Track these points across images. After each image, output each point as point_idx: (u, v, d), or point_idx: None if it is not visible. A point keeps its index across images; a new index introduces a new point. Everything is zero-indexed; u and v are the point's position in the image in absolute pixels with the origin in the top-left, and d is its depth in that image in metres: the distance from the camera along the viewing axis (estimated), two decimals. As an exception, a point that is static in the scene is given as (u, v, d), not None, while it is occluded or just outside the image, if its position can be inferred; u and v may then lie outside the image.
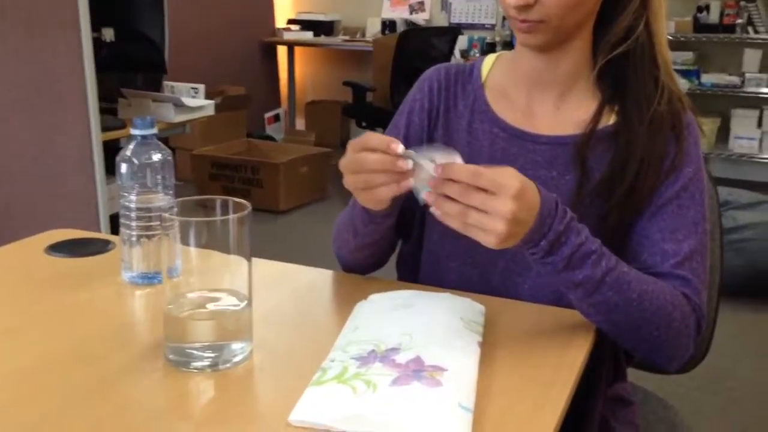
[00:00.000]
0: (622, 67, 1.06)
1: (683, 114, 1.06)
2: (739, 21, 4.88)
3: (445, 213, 0.86)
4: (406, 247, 1.21)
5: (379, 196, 0.91)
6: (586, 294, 0.92)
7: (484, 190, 0.83)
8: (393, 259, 1.24)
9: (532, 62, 1.08)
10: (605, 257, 0.91)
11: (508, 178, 0.84)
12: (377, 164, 0.88)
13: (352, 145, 0.90)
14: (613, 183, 1.02)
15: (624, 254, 0.99)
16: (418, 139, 1.14)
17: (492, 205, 0.83)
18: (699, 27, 4.99)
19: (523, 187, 0.84)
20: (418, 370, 0.82)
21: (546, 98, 1.10)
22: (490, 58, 1.18)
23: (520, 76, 1.12)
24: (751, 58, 4.97)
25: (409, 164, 0.88)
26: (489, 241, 0.85)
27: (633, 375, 1.24)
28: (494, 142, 1.10)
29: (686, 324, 0.97)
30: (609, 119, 1.07)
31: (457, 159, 0.87)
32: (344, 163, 0.91)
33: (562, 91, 1.09)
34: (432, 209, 0.87)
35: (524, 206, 0.84)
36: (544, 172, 1.05)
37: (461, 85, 1.16)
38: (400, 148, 0.87)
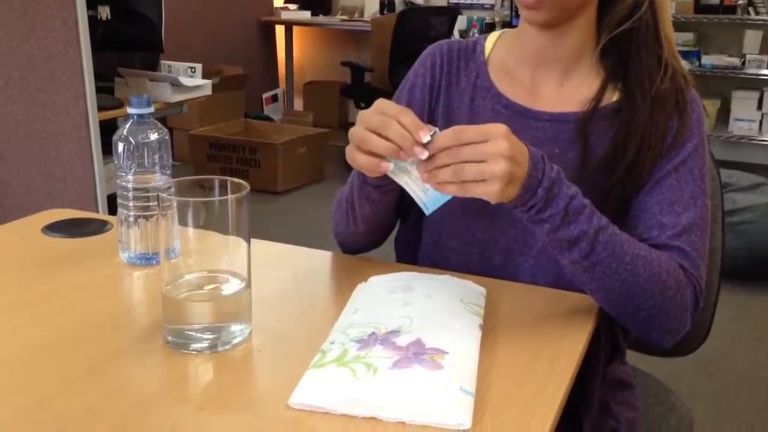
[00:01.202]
0: (625, 45, 1.06)
1: (686, 91, 1.06)
2: (740, 2, 4.85)
3: (441, 182, 0.85)
4: (405, 229, 1.20)
5: (375, 166, 0.89)
6: (582, 255, 0.91)
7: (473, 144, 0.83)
8: (392, 241, 1.23)
9: (537, 39, 1.08)
10: (596, 214, 0.91)
11: (492, 125, 0.84)
12: (398, 137, 0.86)
13: (384, 108, 0.88)
14: (615, 159, 1.02)
15: (623, 229, 0.99)
16: (419, 115, 1.13)
17: (486, 149, 0.82)
18: (700, 8, 4.97)
19: (508, 130, 0.84)
20: (418, 353, 0.81)
21: (550, 75, 1.10)
22: (493, 35, 1.18)
23: (524, 54, 1.12)
24: (752, 39, 4.95)
25: (424, 155, 0.86)
26: (493, 190, 0.83)
27: (631, 357, 1.23)
28: (496, 119, 1.08)
29: (682, 294, 0.96)
30: (612, 96, 1.07)
31: None
32: (366, 116, 0.89)
33: (566, 68, 1.09)
34: (430, 188, 0.86)
35: (516, 145, 0.84)
36: (546, 150, 1.04)
37: (464, 61, 1.15)
38: (425, 138, 0.85)
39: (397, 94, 1.18)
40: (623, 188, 1.02)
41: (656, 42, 1.05)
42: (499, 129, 0.83)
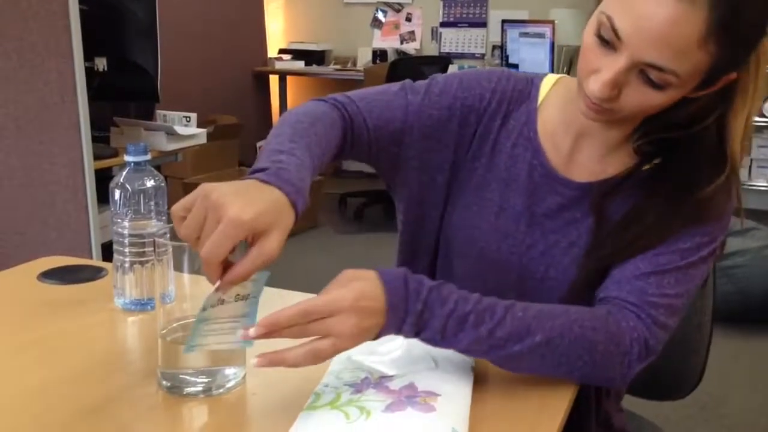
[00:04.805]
0: (676, 142, 0.98)
1: (726, 203, 0.97)
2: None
3: (294, 360, 0.80)
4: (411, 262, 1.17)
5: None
6: (484, 353, 0.87)
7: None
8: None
9: (586, 120, 0.99)
10: (488, 312, 0.86)
11: (338, 295, 0.81)
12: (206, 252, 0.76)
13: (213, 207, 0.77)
14: (627, 228, 0.98)
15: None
16: (440, 120, 1.08)
17: (332, 327, 0.80)
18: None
19: (358, 296, 0.81)
20: (411, 396, 0.82)
21: (590, 150, 1.05)
22: (549, 80, 1.11)
23: (571, 121, 1.04)
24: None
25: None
26: (338, 353, 0.82)
27: (627, 402, 1.24)
28: (531, 175, 1.06)
29: (617, 342, 0.91)
30: (643, 165, 1.02)
31: None
32: (193, 205, 0.79)
33: (611, 146, 1.04)
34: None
35: (365, 313, 0.81)
36: (567, 214, 1.03)
37: (517, 103, 1.09)
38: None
39: (445, 84, 1.10)
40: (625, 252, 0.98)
41: (714, 159, 0.95)
42: (344, 302, 0.80)
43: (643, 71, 0.87)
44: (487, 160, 1.08)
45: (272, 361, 0.80)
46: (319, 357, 0.80)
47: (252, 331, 0.79)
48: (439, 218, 1.11)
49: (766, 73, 0.95)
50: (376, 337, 0.84)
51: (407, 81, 1.11)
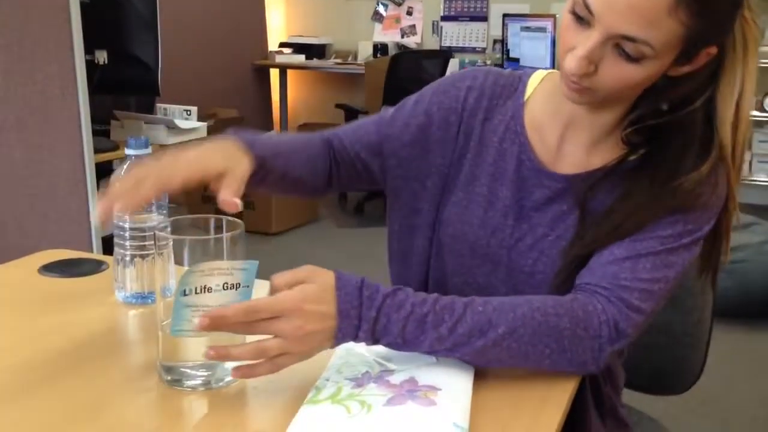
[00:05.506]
0: (664, 129, 0.98)
1: (715, 189, 0.97)
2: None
3: (239, 355, 0.82)
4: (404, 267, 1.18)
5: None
6: (449, 351, 0.87)
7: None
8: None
9: (571, 106, 1.02)
10: (447, 310, 0.86)
11: (285, 296, 0.82)
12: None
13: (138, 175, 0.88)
14: (609, 216, 0.98)
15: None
16: (437, 138, 1.11)
17: (276, 327, 0.81)
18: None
19: (305, 298, 0.82)
20: (412, 390, 0.82)
21: (577, 140, 1.05)
22: (538, 75, 1.11)
23: (558, 112, 1.05)
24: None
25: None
26: (298, 360, 0.83)
27: (627, 397, 1.24)
28: (519, 169, 1.06)
29: (585, 326, 0.89)
30: (629, 157, 1.01)
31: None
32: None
33: (598, 137, 1.04)
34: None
35: (311, 316, 0.81)
36: (555, 207, 1.04)
37: (504, 98, 1.10)
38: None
39: (421, 94, 1.14)
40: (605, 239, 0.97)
41: (702, 146, 0.95)
42: (289, 303, 0.81)
43: (618, 45, 0.88)
44: (473, 155, 1.09)
45: (219, 354, 0.82)
46: (265, 354, 0.81)
47: (196, 321, 0.80)
48: (432, 220, 1.12)
49: (757, 59, 0.94)
50: (334, 344, 0.85)
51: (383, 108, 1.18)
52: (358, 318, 0.84)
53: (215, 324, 0.79)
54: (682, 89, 0.95)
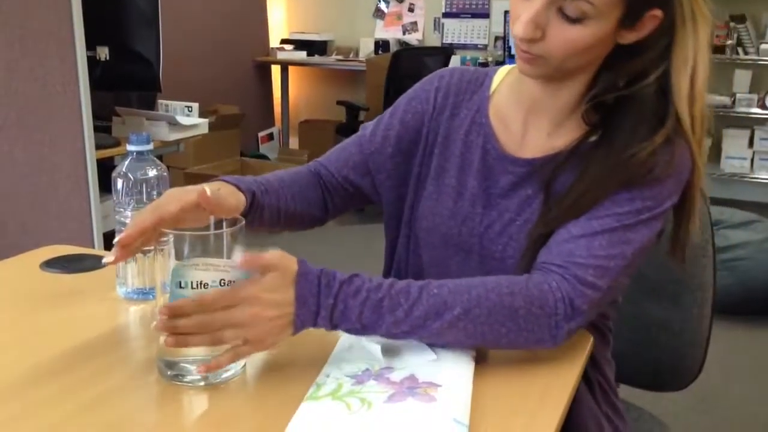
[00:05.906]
0: (620, 106, 0.99)
1: (671, 161, 0.97)
2: (729, 42, 4.92)
3: (197, 341, 0.84)
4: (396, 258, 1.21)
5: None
6: (407, 334, 0.88)
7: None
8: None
9: (531, 88, 1.05)
10: (402, 294, 0.88)
11: (241, 285, 0.84)
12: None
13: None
14: (567, 195, 0.99)
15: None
16: (408, 139, 1.15)
17: (234, 316, 0.83)
18: (690, 48, 5.02)
19: (262, 287, 0.84)
20: (412, 387, 0.82)
21: (539, 124, 1.07)
22: (503, 70, 1.15)
23: (520, 98, 1.08)
24: (741, 78, 5.01)
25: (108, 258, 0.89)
26: (260, 348, 0.86)
27: (627, 393, 1.24)
28: (485, 159, 1.09)
29: (540, 305, 0.90)
30: (592, 135, 1.03)
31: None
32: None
33: (557, 119, 1.05)
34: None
35: (267, 304, 0.84)
36: (521, 191, 1.06)
37: (469, 93, 1.14)
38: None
39: (395, 105, 1.19)
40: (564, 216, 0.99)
41: (657, 119, 0.96)
42: (245, 292, 0.83)
43: (560, 9, 0.91)
44: (441, 150, 1.13)
45: (178, 341, 0.84)
46: (221, 342, 0.84)
47: (156, 312, 0.82)
48: (409, 217, 1.16)
49: (709, 33, 0.95)
50: (293, 331, 0.86)
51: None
52: (316, 305, 0.86)
53: (174, 315, 0.82)
54: (637, 63, 0.97)
